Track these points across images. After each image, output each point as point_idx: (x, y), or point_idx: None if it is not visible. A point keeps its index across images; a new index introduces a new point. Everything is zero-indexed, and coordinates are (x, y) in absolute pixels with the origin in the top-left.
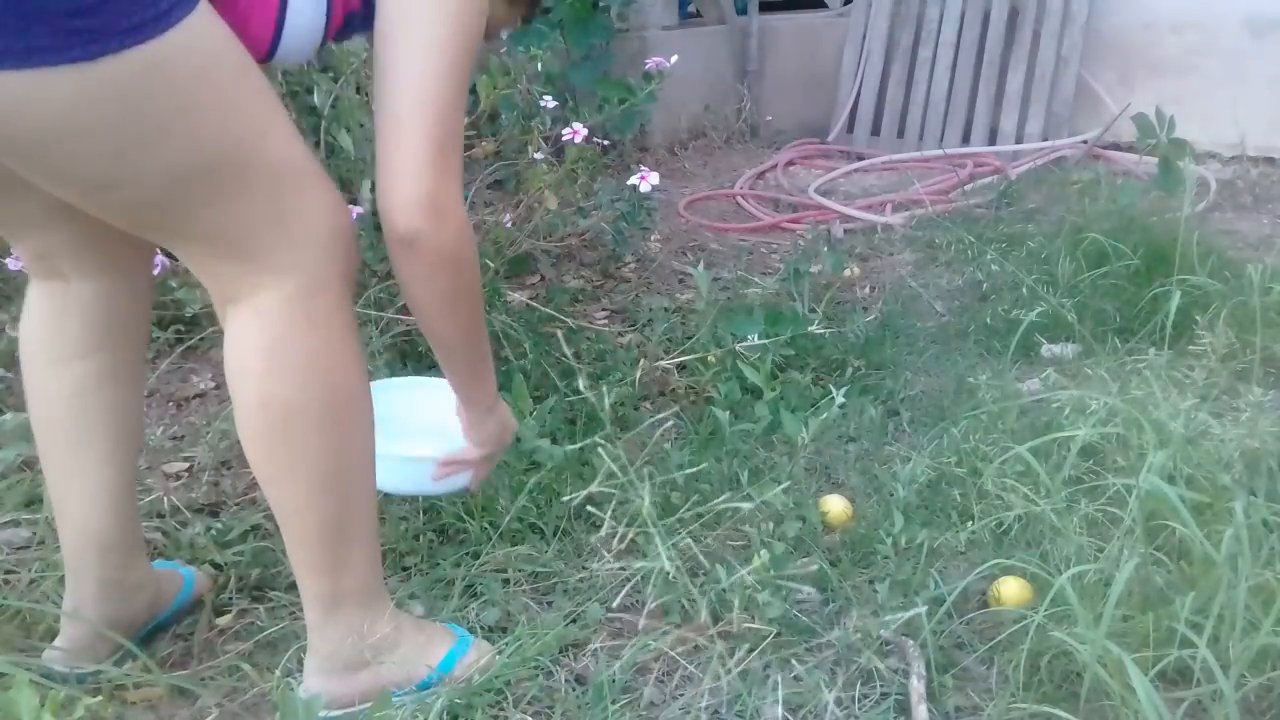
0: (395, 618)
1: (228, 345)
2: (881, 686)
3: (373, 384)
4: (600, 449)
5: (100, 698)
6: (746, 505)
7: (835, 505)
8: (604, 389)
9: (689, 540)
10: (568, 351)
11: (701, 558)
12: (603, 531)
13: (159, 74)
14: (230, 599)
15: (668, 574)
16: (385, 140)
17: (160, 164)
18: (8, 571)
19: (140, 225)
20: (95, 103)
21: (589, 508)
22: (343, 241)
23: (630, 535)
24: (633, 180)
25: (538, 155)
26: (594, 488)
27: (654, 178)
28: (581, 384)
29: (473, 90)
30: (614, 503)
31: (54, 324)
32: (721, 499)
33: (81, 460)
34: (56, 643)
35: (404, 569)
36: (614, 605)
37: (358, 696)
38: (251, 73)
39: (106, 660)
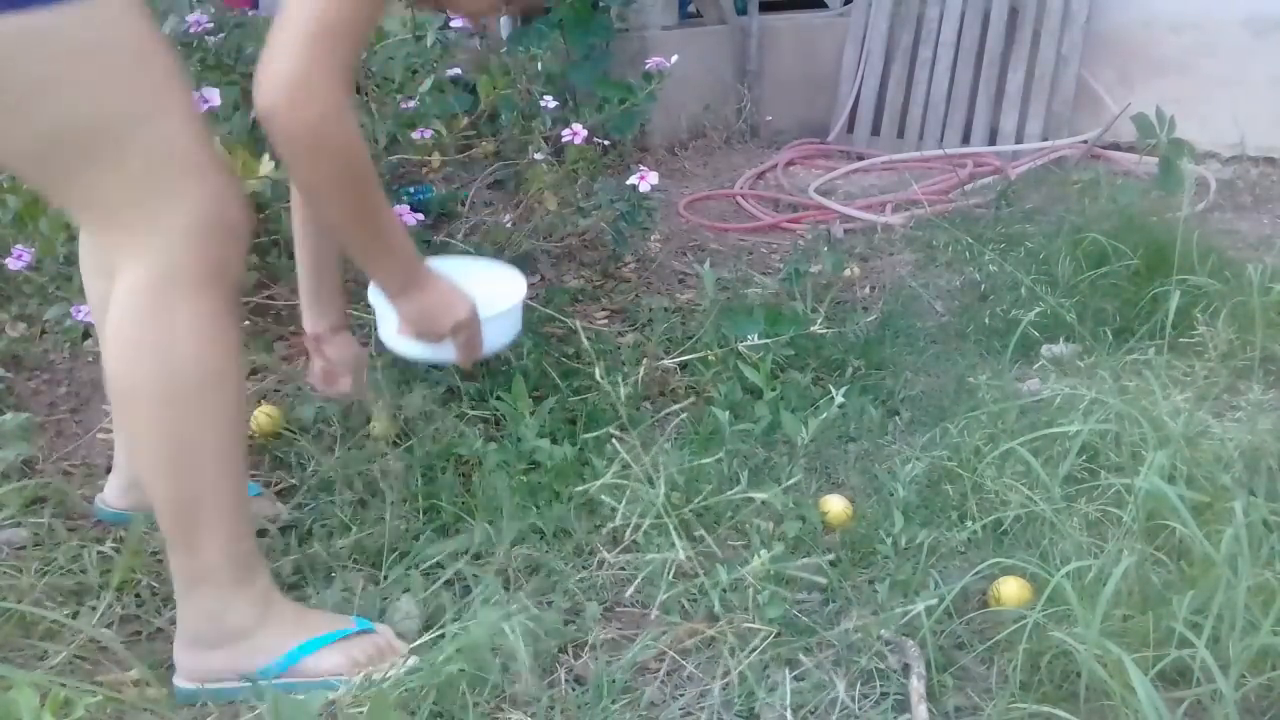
0: (264, 604)
1: (107, 315)
2: (881, 686)
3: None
4: (614, 439)
5: (100, 698)
6: (756, 496)
7: (835, 505)
8: (619, 379)
9: (697, 535)
10: (585, 346)
11: (704, 555)
12: (616, 523)
13: (43, 41)
14: None
15: (675, 568)
16: (274, 22)
17: (33, 127)
18: (8, 571)
19: (31, 181)
20: None
21: (603, 498)
22: (207, 235)
23: (642, 528)
24: (632, 180)
25: (538, 155)
26: (607, 478)
27: (653, 178)
28: (597, 373)
29: (473, 90)
30: (625, 496)
31: (93, 242)
32: (724, 496)
33: None
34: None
35: (404, 569)
36: (614, 605)
37: (209, 673)
38: (152, 61)
39: (140, 505)
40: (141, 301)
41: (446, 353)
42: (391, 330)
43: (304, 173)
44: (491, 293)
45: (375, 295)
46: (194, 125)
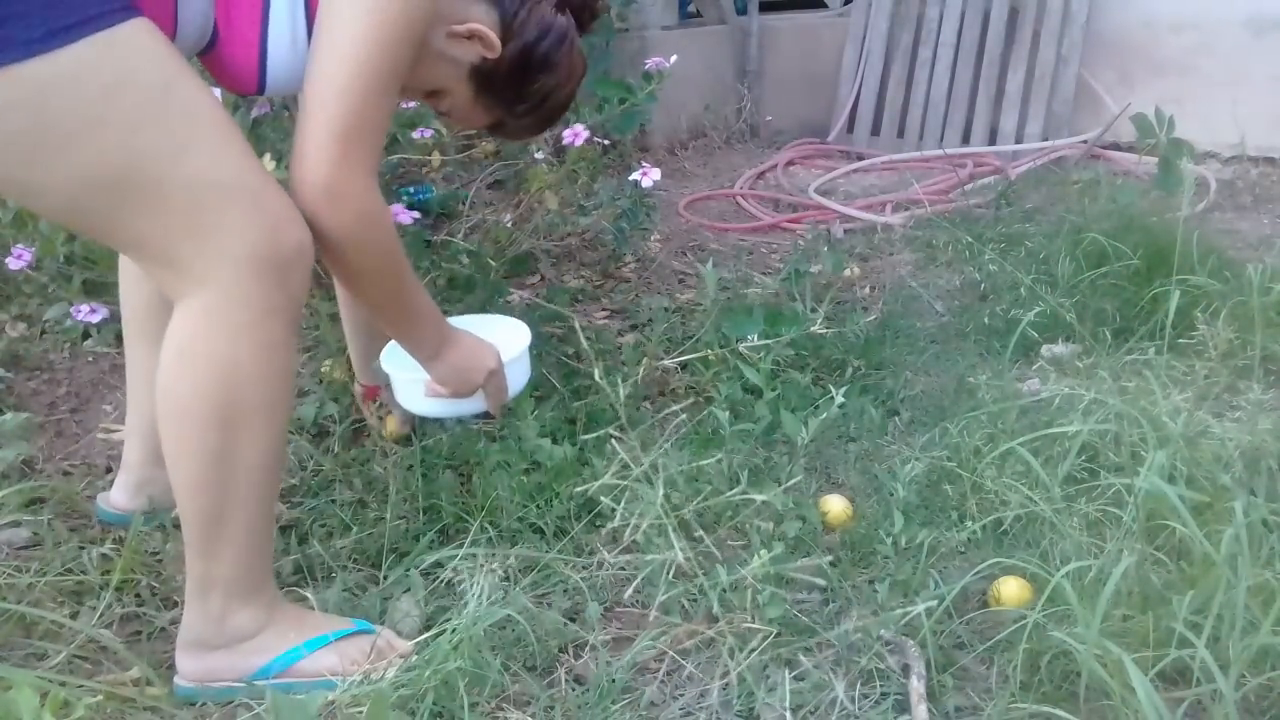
0: (267, 610)
1: (165, 335)
2: (881, 686)
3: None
4: (613, 440)
5: (100, 698)
6: (753, 497)
7: (835, 505)
8: (618, 379)
9: (690, 539)
10: (585, 346)
11: (704, 556)
12: (613, 524)
13: (70, 85)
14: None
15: (674, 568)
16: (299, 124)
17: (69, 173)
18: (8, 572)
19: (77, 229)
20: (3, 110)
21: (601, 499)
22: (267, 263)
23: (641, 528)
24: (635, 176)
25: (539, 155)
26: (606, 479)
27: (656, 174)
28: (596, 374)
29: None
30: (625, 497)
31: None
32: (724, 496)
33: (148, 354)
34: (112, 492)
35: (404, 569)
36: (614, 605)
37: (210, 674)
38: (177, 91)
39: (150, 505)
40: (209, 326)
41: (475, 404)
42: (414, 395)
43: (346, 267)
44: (499, 341)
45: (390, 364)
46: (234, 150)
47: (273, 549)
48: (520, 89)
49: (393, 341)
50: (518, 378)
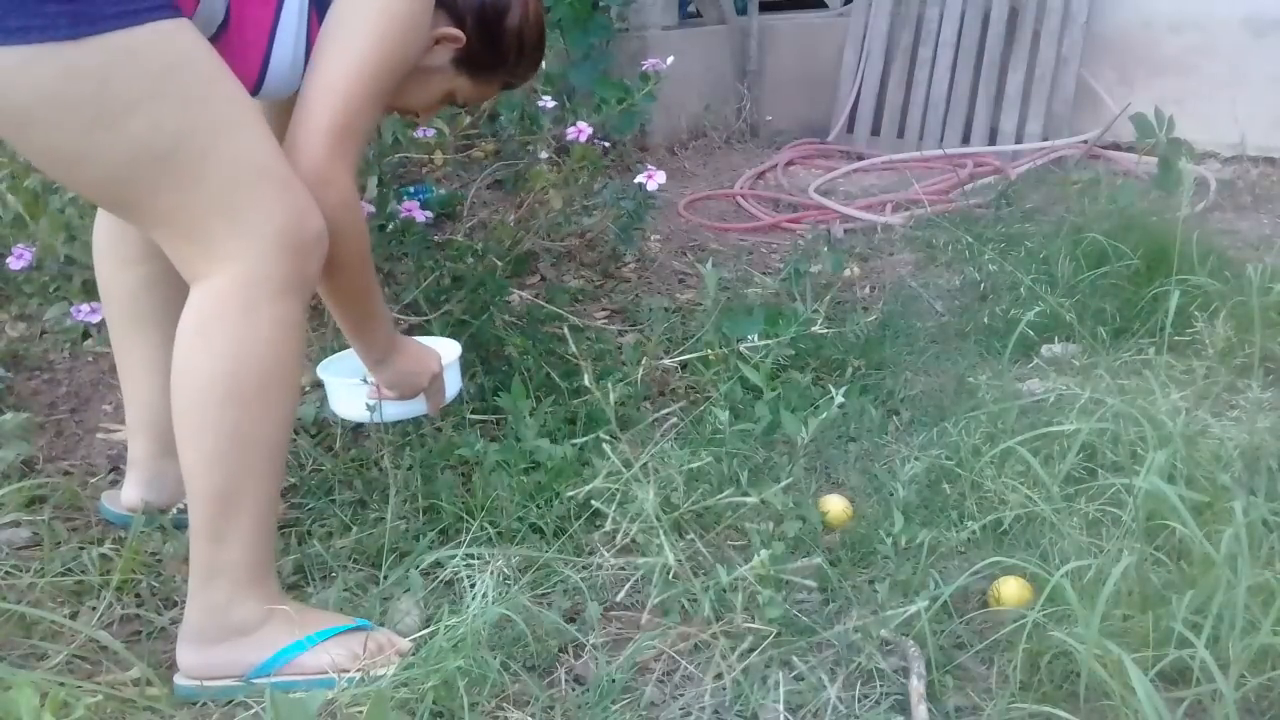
0: (271, 604)
1: (181, 315)
2: (881, 686)
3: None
4: (604, 444)
5: (100, 698)
6: (754, 496)
7: (835, 505)
8: (609, 385)
9: (690, 538)
10: (575, 349)
11: (702, 556)
12: (605, 528)
13: (134, 59)
14: None
15: (669, 571)
16: (295, 117)
17: (123, 144)
18: (8, 571)
19: (110, 203)
20: (74, 78)
21: (592, 502)
22: (292, 244)
23: (633, 532)
24: (639, 179)
25: (543, 155)
26: (597, 483)
27: (661, 176)
28: (587, 379)
29: None
30: (617, 500)
31: (117, 233)
32: (722, 497)
33: (138, 343)
34: (122, 491)
35: (404, 569)
36: (614, 604)
37: (210, 669)
38: (224, 80)
39: (160, 501)
40: (229, 302)
41: (417, 406)
42: (349, 402)
43: (328, 255)
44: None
45: (325, 372)
46: (270, 138)
47: (275, 541)
48: (499, 46)
49: (332, 353)
50: (453, 383)
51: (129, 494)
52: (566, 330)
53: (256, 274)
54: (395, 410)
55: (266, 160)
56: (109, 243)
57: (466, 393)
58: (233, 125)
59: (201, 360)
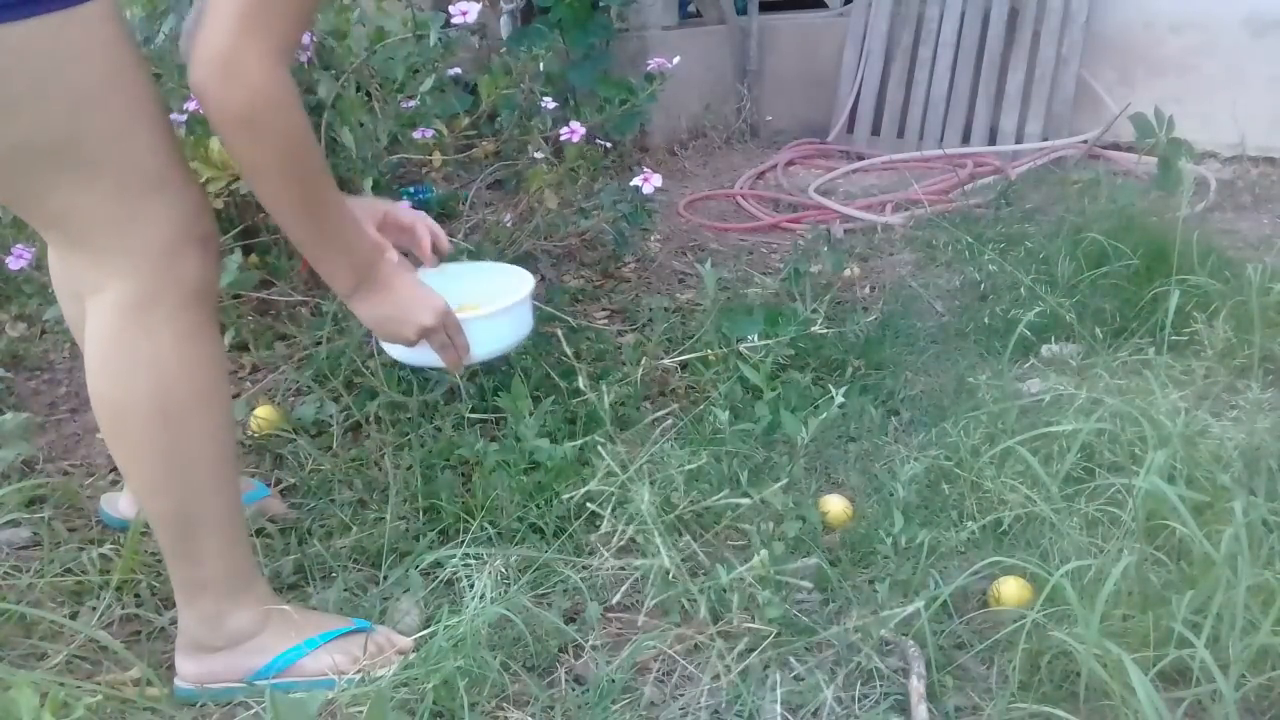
0: (263, 608)
1: (85, 333)
2: (881, 686)
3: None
4: (600, 447)
5: (100, 698)
6: (754, 496)
7: (835, 505)
8: (604, 387)
9: (689, 539)
10: (568, 351)
11: (701, 556)
12: (602, 529)
13: (16, 56)
14: None
15: (667, 573)
16: (206, 7)
17: (8, 137)
18: (8, 572)
19: (3, 196)
20: None
21: (589, 504)
22: (186, 256)
23: (630, 534)
24: (636, 182)
25: (538, 154)
26: (593, 485)
27: (657, 179)
28: (582, 383)
29: (473, 90)
30: (613, 501)
31: (60, 267)
32: (721, 497)
33: None
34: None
35: (404, 569)
36: (613, 604)
37: (210, 676)
38: (123, 80)
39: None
40: (124, 323)
41: (433, 357)
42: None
43: (237, 152)
44: (494, 292)
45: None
46: (167, 140)
47: (250, 543)
48: None
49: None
50: (493, 337)
51: (127, 500)
52: (561, 332)
53: (149, 294)
54: (407, 355)
55: (159, 166)
56: (57, 276)
57: (466, 393)
58: (127, 130)
59: (115, 388)
